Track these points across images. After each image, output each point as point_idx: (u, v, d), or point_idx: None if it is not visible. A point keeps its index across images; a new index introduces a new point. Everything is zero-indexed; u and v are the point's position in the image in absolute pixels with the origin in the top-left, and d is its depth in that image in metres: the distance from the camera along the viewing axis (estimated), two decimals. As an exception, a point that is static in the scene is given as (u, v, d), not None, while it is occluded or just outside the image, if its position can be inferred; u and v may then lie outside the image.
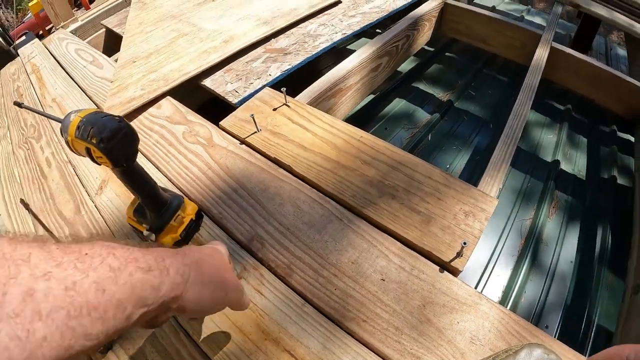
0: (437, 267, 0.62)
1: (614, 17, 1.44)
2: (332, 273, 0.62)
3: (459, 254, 0.62)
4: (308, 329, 0.56)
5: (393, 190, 0.71)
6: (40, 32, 3.49)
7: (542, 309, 0.88)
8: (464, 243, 0.61)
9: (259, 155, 0.80)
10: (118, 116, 0.52)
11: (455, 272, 0.62)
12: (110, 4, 1.57)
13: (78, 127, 0.49)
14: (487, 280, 0.93)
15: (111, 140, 0.50)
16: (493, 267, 0.95)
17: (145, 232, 0.63)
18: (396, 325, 0.56)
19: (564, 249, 1.01)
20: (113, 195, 0.79)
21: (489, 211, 0.68)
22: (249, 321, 0.57)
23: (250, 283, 0.62)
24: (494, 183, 0.78)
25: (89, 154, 0.51)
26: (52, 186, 0.86)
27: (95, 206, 0.78)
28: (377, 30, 1.67)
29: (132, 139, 0.53)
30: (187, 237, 0.66)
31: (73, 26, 1.51)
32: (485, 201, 0.70)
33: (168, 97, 0.96)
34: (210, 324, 0.58)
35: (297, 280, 0.61)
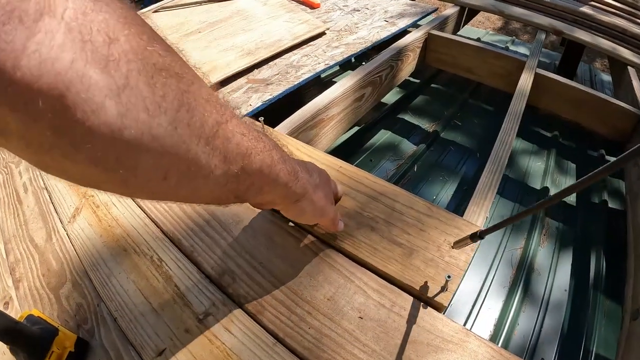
0: (420, 303, 0.57)
1: (597, 42, 1.44)
2: (306, 310, 0.57)
3: (443, 289, 0.57)
4: (279, 372, 0.51)
5: (372, 222, 0.67)
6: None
7: (537, 341, 0.83)
8: (448, 277, 0.56)
9: (232, 187, 0.76)
10: None
11: (439, 307, 0.57)
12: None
13: None
14: (477, 314, 0.88)
15: None
16: (483, 300, 0.90)
17: None
18: (375, 367, 0.51)
19: (557, 277, 0.97)
20: (85, 224, 0.74)
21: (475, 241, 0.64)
22: (215, 363, 0.53)
23: (219, 320, 0.57)
24: (481, 212, 0.74)
25: None
26: (26, 212, 0.82)
27: (67, 234, 0.74)
28: (363, 63, 1.68)
29: None
30: None
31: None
32: (471, 231, 0.65)
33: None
34: (173, 366, 0.53)
35: (269, 318, 0.56)
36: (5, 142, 0.23)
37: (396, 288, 0.59)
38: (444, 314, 0.57)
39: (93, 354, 0.56)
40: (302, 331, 0.55)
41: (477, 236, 0.53)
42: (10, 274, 0.71)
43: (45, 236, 0.76)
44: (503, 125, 0.98)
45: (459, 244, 0.58)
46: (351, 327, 0.55)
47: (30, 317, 0.55)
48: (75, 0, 0.22)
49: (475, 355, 0.52)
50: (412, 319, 0.55)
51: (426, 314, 0.56)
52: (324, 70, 1.12)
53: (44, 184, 0.88)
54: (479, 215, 0.73)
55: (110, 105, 0.23)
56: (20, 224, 0.81)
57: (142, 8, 1.62)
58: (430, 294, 0.57)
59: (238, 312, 0.57)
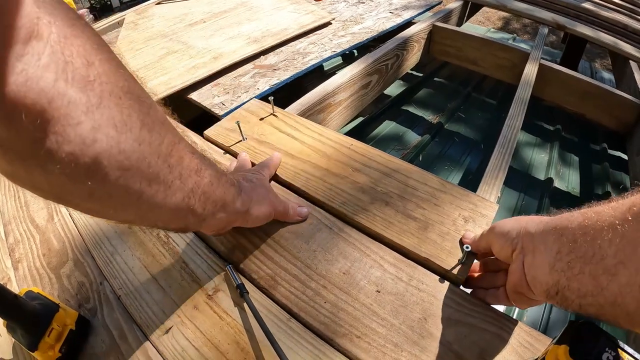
0: (438, 277, 0.54)
1: (599, 36, 1.42)
2: (322, 285, 0.53)
3: (460, 262, 0.54)
4: (294, 347, 0.48)
5: (386, 197, 0.64)
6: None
7: (547, 326, 0.81)
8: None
9: (243, 163, 0.73)
10: None
11: (457, 281, 0.54)
12: (103, 25, 1.53)
13: None
14: (486, 299, 0.85)
15: None
16: (492, 286, 0.88)
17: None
18: (395, 341, 0.48)
19: (564, 264, 0.94)
20: (88, 204, 0.71)
21: (490, 216, 0.61)
22: (226, 338, 0.49)
23: (230, 296, 0.53)
24: (492, 191, 0.72)
25: None
26: (27, 194, 0.78)
27: (70, 214, 0.70)
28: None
29: None
30: (71, 350, 0.51)
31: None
32: (485, 206, 0.63)
33: (153, 109, 0.90)
34: (183, 341, 0.49)
35: (282, 293, 0.53)
36: None
37: (413, 262, 0.56)
38: (460, 287, 0.55)
39: (95, 333, 0.53)
40: (317, 305, 0.51)
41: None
42: (10, 255, 0.67)
43: (47, 216, 0.72)
44: (510, 111, 0.96)
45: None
46: (368, 301, 0.51)
47: (29, 293, 0.50)
48: (58, 25, 0.23)
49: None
50: (430, 293, 0.52)
51: (444, 288, 0.53)
52: (330, 57, 1.10)
53: (47, 167, 0.85)
54: (490, 194, 0.71)
55: (85, 120, 0.25)
56: (20, 205, 0.77)
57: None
58: (447, 267, 0.54)
59: (250, 287, 0.54)
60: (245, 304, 0.51)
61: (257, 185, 0.56)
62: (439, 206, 0.62)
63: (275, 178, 0.70)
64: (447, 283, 0.53)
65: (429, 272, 0.55)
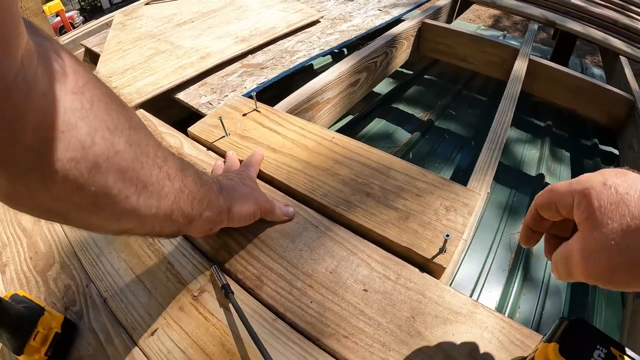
0: (425, 274, 0.53)
1: (589, 32, 1.42)
2: (308, 284, 0.53)
3: (441, 250, 0.54)
4: (280, 348, 0.47)
5: (367, 188, 0.64)
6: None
7: (539, 324, 0.80)
8: (447, 235, 0.53)
9: (226, 160, 0.72)
10: None
11: (438, 270, 0.54)
12: (92, 26, 1.51)
13: None
14: (478, 297, 0.84)
15: None
16: (484, 283, 0.87)
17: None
18: (382, 340, 0.47)
19: (556, 261, 0.94)
20: (74, 208, 0.70)
21: (472, 205, 0.61)
22: (212, 340, 0.48)
23: (215, 297, 0.53)
24: (482, 187, 0.71)
25: None
26: (14, 198, 0.77)
27: (57, 217, 0.69)
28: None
29: None
30: (57, 354, 0.50)
31: (53, 48, 1.44)
32: (467, 196, 0.63)
33: (141, 109, 0.89)
34: (169, 343, 0.48)
35: (268, 293, 0.52)
36: None
37: (401, 260, 0.55)
38: (451, 284, 0.55)
39: (81, 336, 0.52)
40: (304, 305, 0.51)
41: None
42: (-4, 258, 0.66)
43: (33, 219, 0.71)
44: (500, 107, 0.96)
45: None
46: (355, 300, 0.51)
47: (14, 297, 0.49)
48: (45, 43, 0.25)
49: (485, 326, 0.48)
50: (419, 291, 0.52)
51: (433, 286, 0.52)
52: (318, 56, 1.09)
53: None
54: (480, 190, 0.71)
55: (82, 125, 0.26)
56: (7, 209, 0.76)
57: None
58: (428, 256, 0.54)
59: (235, 287, 0.53)
60: (230, 305, 0.51)
61: (239, 183, 0.56)
62: (420, 196, 0.62)
63: (258, 173, 0.69)
64: (435, 280, 0.53)
65: (417, 270, 0.54)
